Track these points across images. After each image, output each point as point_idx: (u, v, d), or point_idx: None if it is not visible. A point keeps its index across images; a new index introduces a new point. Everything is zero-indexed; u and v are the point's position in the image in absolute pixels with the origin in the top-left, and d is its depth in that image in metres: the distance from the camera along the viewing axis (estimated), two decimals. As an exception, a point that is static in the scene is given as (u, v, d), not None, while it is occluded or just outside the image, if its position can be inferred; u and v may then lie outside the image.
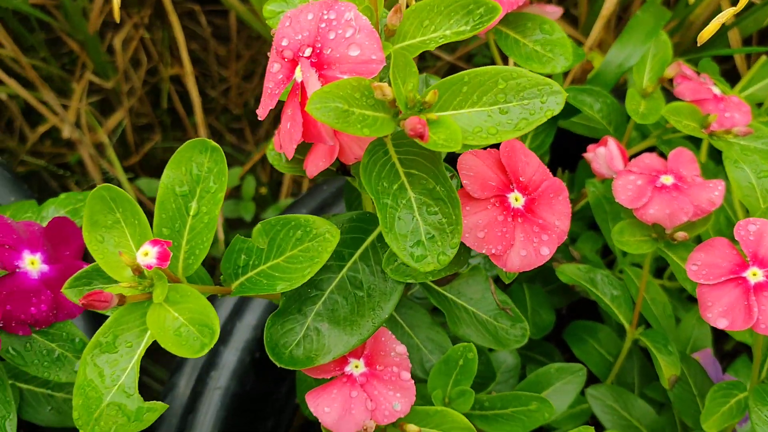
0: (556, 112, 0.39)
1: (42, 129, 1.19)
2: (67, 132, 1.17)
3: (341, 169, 0.57)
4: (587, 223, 0.88)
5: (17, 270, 0.51)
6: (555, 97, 0.39)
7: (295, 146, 0.41)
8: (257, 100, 1.28)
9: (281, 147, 0.52)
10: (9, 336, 0.51)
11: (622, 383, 0.71)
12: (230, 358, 0.73)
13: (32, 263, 0.51)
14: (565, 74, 0.87)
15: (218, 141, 1.21)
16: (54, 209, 0.58)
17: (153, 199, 1.15)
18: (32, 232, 0.52)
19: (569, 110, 0.78)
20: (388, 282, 0.49)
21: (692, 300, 0.81)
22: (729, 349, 0.93)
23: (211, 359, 0.74)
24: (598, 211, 0.72)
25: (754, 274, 0.49)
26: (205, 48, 1.31)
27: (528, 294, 0.78)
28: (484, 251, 0.46)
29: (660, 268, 0.87)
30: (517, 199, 0.47)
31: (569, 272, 0.69)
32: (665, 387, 0.64)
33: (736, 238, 0.50)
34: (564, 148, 0.81)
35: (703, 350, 0.70)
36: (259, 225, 0.45)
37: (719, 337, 0.89)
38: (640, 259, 0.77)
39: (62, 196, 0.59)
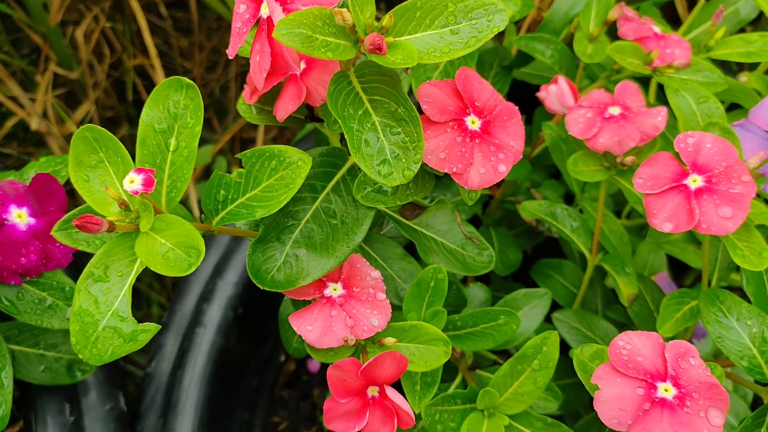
0: (502, 28, 0.43)
1: (11, 123, 1.20)
2: (35, 124, 1.18)
3: (310, 116, 0.60)
4: (549, 172, 0.92)
5: (5, 223, 0.53)
6: (500, 15, 0.43)
7: (265, 75, 0.44)
8: (222, 90, 1.30)
9: (251, 92, 0.56)
10: (2, 286, 0.53)
11: (586, 309, 0.75)
12: (214, 314, 0.76)
13: (19, 216, 0.53)
14: (518, 27, 0.91)
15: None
16: (34, 171, 0.61)
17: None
18: (17, 189, 0.55)
19: (522, 59, 0.82)
20: (360, 209, 0.52)
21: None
22: (688, 284, 0.99)
23: (196, 317, 0.77)
24: (555, 151, 0.76)
25: (694, 181, 0.53)
26: (167, 41, 1.32)
27: (495, 236, 0.82)
28: (446, 170, 0.49)
29: (619, 211, 0.91)
30: (473, 122, 0.50)
31: (531, 208, 0.73)
32: (625, 305, 0.69)
33: (676, 150, 0.55)
34: (521, 99, 0.85)
35: (660, 273, 0.75)
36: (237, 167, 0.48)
37: (678, 272, 0.95)
38: (596, 194, 0.82)
39: (42, 159, 0.61)
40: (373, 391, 0.48)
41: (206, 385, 0.73)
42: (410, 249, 0.63)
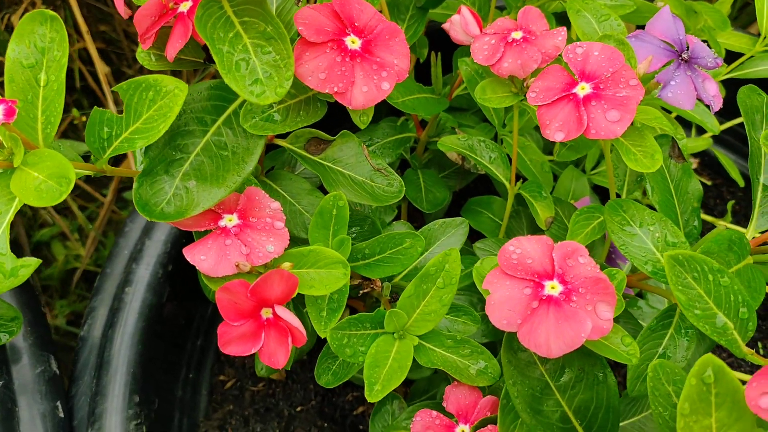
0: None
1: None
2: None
3: (207, 58, 0.60)
4: (482, 116, 0.93)
5: None
6: None
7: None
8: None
9: (141, 35, 0.55)
10: None
11: (511, 238, 0.75)
12: (143, 273, 0.76)
13: None
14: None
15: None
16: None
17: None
18: None
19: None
20: (250, 139, 0.52)
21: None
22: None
23: (126, 278, 0.77)
24: (472, 85, 0.76)
25: (583, 88, 0.54)
26: (115, 29, 1.31)
27: (422, 177, 0.82)
28: (327, 90, 0.49)
29: (549, 151, 0.92)
30: (353, 42, 0.50)
31: (449, 142, 0.73)
32: (543, 228, 0.69)
33: (565, 60, 0.55)
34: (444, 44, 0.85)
35: (583, 198, 0.76)
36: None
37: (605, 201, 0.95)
38: (510, 125, 0.82)
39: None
40: (267, 313, 0.48)
41: (138, 343, 0.73)
42: (321, 189, 0.63)
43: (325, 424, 0.87)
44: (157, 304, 0.76)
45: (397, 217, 0.84)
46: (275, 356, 0.47)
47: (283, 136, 0.63)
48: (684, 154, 0.91)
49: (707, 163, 1.10)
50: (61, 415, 0.69)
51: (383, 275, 0.59)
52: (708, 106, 0.58)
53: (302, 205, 0.62)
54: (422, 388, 0.76)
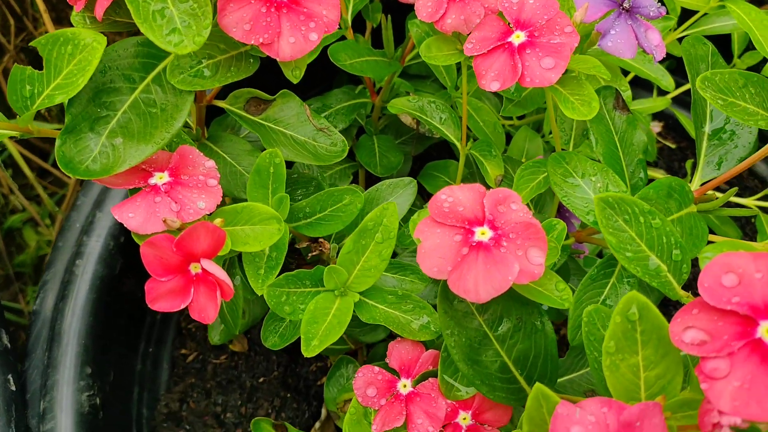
0: None
1: None
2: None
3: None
4: (441, 85, 0.92)
5: None
6: None
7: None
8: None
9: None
10: None
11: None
12: (94, 245, 0.75)
13: None
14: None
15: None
16: None
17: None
18: None
19: (384, -40, 0.80)
20: (179, 96, 0.51)
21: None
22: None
23: (77, 250, 0.76)
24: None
25: (518, 37, 0.53)
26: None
27: (377, 142, 0.82)
28: (252, 42, 0.49)
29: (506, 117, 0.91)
30: (279, -8, 0.49)
31: (399, 104, 0.73)
32: (492, 187, 0.69)
33: (500, 9, 0.54)
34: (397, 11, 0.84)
35: (536, 157, 0.75)
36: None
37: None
38: (478, 93, 0.81)
39: None
40: (196, 269, 0.47)
41: (89, 315, 0.72)
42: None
43: (288, 395, 0.86)
44: (109, 276, 0.75)
45: (353, 183, 0.84)
46: (205, 311, 0.47)
47: (222, 97, 0.62)
48: (643, 114, 0.90)
49: (672, 126, 1.10)
50: (13, 388, 0.68)
51: (325, 233, 0.58)
52: (662, 63, 0.57)
53: (243, 166, 0.61)
54: (381, 353, 0.75)
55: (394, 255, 0.71)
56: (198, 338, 0.89)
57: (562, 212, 0.71)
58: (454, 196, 0.48)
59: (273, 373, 0.87)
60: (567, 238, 0.66)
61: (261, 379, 0.87)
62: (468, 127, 0.75)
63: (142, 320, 0.84)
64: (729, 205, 0.63)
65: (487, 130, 0.75)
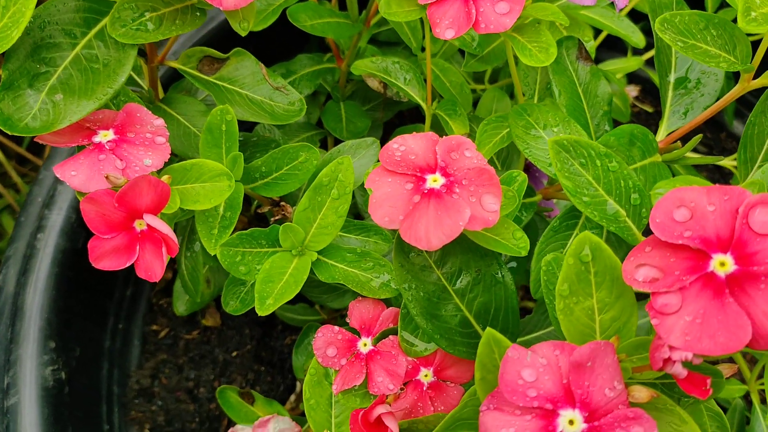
0: None
1: None
2: None
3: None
4: (413, 52, 0.90)
5: None
6: None
7: None
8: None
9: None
10: None
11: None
12: (56, 218, 0.74)
13: None
14: None
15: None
16: None
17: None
18: None
19: None
20: (122, 51, 0.50)
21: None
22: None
23: (39, 224, 0.74)
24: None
25: (472, -17, 0.51)
26: None
27: (344, 108, 0.80)
28: (194, -10, 0.47)
29: (477, 78, 0.89)
30: (221, -62, 0.47)
31: (362, 65, 0.71)
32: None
33: (454, -45, 0.53)
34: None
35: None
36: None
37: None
38: (446, 53, 0.80)
39: None
40: (141, 225, 0.46)
41: (51, 289, 0.71)
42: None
43: (262, 368, 0.85)
44: (72, 250, 0.73)
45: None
46: (152, 269, 0.45)
47: (174, 57, 0.60)
48: (616, 75, 0.89)
49: (649, 90, 1.09)
50: (-26, 364, 0.67)
51: (283, 193, 0.57)
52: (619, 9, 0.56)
53: (197, 127, 0.59)
54: (352, 321, 0.74)
55: (360, 217, 0.69)
56: (169, 314, 0.88)
57: (531, 171, 0.69)
58: (407, 144, 0.47)
59: (246, 347, 0.86)
60: (534, 195, 0.65)
61: (234, 353, 0.86)
62: (436, 89, 0.73)
63: (110, 296, 0.83)
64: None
65: (454, 91, 0.74)
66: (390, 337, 0.52)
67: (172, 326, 0.87)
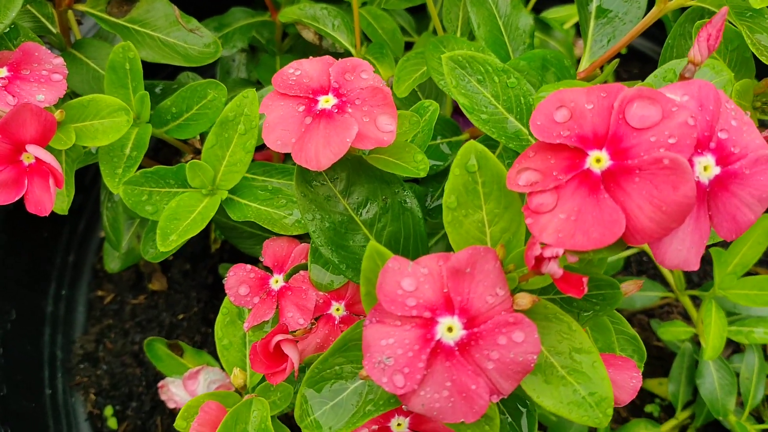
0: None
1: None
2: None
3: None
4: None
5: None
6: None
7: None
8: None
9: None
10: None
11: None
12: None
13: None
14: None
15: None
16: None
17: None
18: None
19: None
20: (13, -14, 0.48)
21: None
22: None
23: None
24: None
25: None
26: None
27: (279, 62, 0.79)
28: None
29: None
30: None
31: (290, 12, 0.70)
32: (399, 96, 0.66)
33: None
34: None
35: (437, 63, 0.72)
36: None
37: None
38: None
39: None
40: (28, 159, 0.45)
41: (-19, 250, 0.70)
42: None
43: (210, 330, 0.84)
44: (3, 212, 0.72)
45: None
46: (41, 203, 0.44)
47: (84, 0, 0.59)
48: (560, 24, 0.87)
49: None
50: None
51: (195, 134, 0.55)
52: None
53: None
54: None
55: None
56: (115, 280, 0.87)
57: (460, 110, 0.68)
58: (302, 68, 0.45)
59: (193, 310, 0.85)
60: (460, 134, 0.63)
61: (181, 316, 0.85)
62: (369, 36, 0.72)
63: (50, 261, 0.82)
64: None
65: (386, 37, 0.72)
66: (301, 272, 0.51)
67: (118, 291, 0.86)
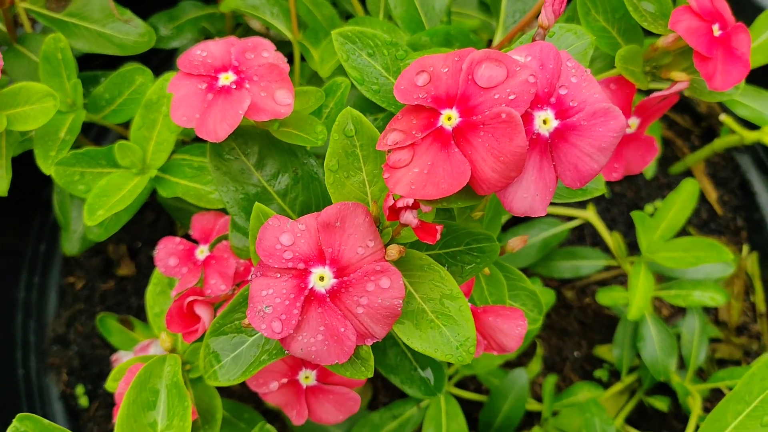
0: None
1: None
2: None
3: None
4: None
5: None
6: None
7: None
8: None
9: None
10: None
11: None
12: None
13: None
14: None
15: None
16: None
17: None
18: None
19: None
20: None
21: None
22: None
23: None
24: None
25: None
26: None
27: (229, 51, 0.82)
28: None
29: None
30: None
31: (232, 3, 0.73)
32: (322, 77, 0.69)
33: None
34: None
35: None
36: None
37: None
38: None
39: None
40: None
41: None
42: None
43: (176, 312, 0.88)
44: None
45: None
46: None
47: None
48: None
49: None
50: None
51: (128, 118, 0.59)
52: None
53: (48, 63, 0.61)
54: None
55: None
56: (86, 266, 0.91)
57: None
58: (208, 50, 0.49)
59: (160, 293, 0.89)
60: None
61: (148, 299, 0.88)
62: (308, 23, 0.75)
63: (22, 252, 0.86)
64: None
65: (325, 23, 0.75)
66: (224, 242, 0.54)
67: (88, 278, 0.90)
